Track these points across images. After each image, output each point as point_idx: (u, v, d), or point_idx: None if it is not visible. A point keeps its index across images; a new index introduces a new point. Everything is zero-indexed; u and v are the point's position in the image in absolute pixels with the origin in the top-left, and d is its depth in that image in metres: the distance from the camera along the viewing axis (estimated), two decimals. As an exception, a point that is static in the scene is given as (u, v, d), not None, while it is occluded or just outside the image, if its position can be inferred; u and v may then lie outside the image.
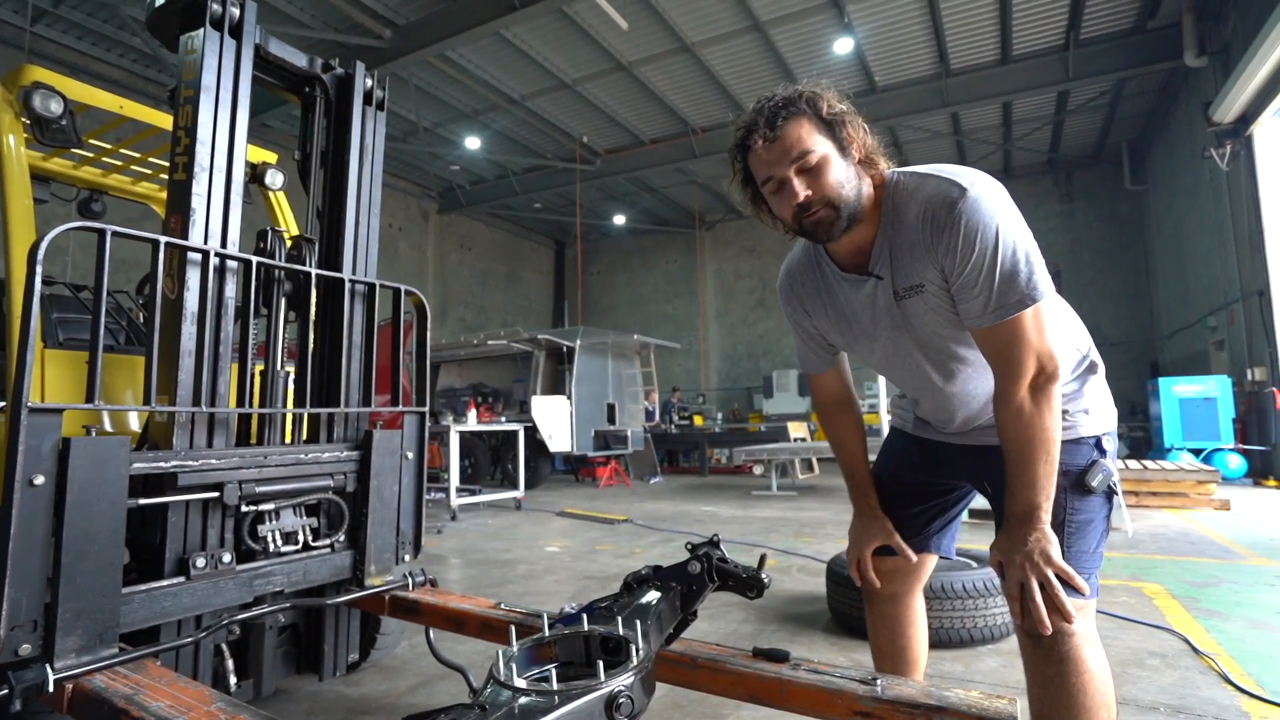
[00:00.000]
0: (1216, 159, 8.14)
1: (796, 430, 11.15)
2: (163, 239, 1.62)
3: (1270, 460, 7.92)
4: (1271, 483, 7.68)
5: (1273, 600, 3.08)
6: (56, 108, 2.16)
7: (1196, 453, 8.26)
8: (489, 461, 9.67)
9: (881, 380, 8.35)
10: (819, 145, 1.15)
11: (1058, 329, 1.20)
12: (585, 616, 1.26)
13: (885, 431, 7.54)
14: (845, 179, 1.16)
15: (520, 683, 1.01)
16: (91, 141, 2.56)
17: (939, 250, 1.15)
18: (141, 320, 3.01)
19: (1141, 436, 10.21)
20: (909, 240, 1.19)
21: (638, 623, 1.18)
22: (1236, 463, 8.12)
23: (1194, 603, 3.06)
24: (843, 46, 9.49)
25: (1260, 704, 2.00)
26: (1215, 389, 8.45)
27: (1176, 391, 8.68)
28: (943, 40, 9.42)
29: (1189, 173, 9.95)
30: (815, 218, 1.17)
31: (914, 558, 1.46)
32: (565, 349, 9.79)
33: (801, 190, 1.15)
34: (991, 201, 1.12)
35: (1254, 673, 2.23)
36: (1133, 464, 6.53)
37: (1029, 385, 1.13)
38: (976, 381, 1.31)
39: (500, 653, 1.08)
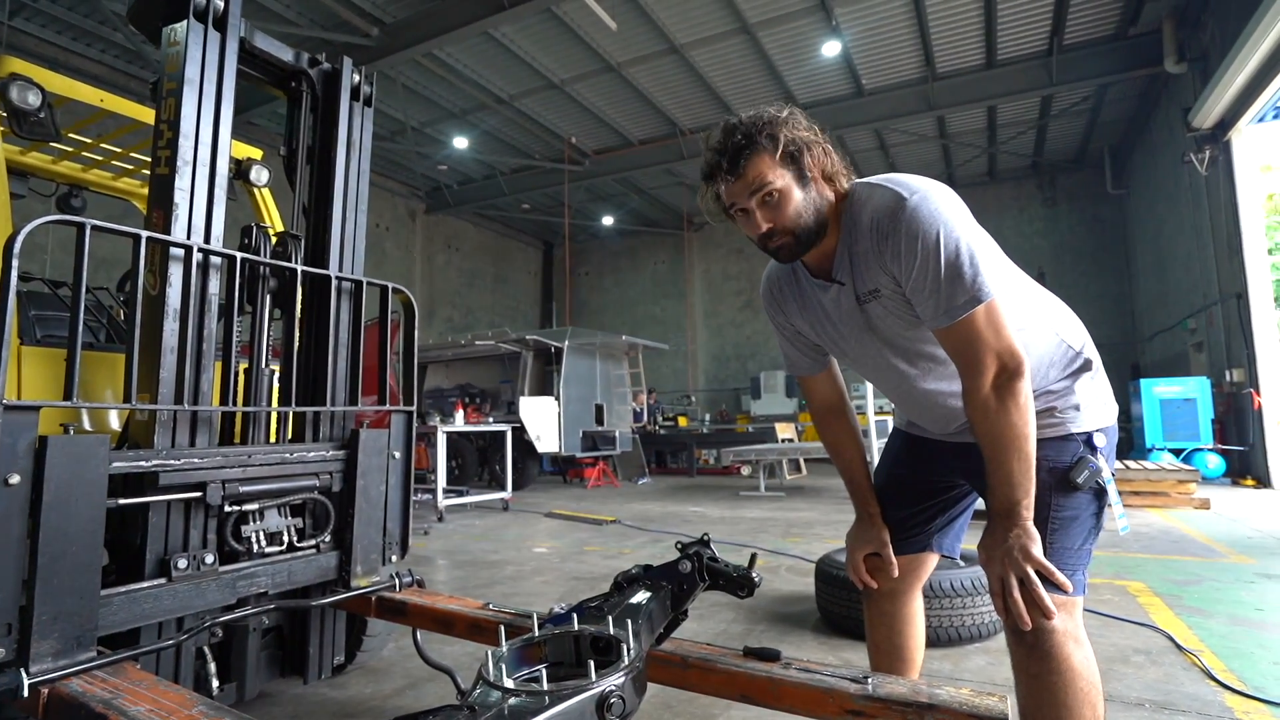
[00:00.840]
0: (1196, 164, 8.27)
1: (784, 431, 11.18)
2: (145, 234, 1.59)
3: (1248, 460, 8.05)
4: (1249, 482, 7.81)
5: (1253, 597, 3.13)
6: (34, 100, 2.12)
7: (1177, 453, 8.39)
8: (476, 462, 9.61)
9: (870, 389, 8.39)
10: (778, 180, 1.20)
11: (1024, 325, 1.23)
12: (575, 616, 1.24)
13: (873, 432, 7.60)
14: (803, 208, 1.23)
15: (510, 683, 1.00)
16: (71, 136, 2.51)
17: (886, 257, 1.20)
18: (122, 318, 2.96)
19: (1123, 437, 10.33)
20: (863, 248, 1.24)
21: (628, 622, 1.17)
22: (1215, 462, 8.25)
23: (1177, 600, 3.10)
24: (830, 49, 9.55)
25: (1243, 699, 2.03)
26: (1195, 390, 8.59)
27: (1157, 392, 8.80)
28: (929, 44, 9.51)
29: (1169, 177, 10.10)
30: (776, 245, 1.26)
31: (895, 571, 1.46)
32: (553, 350, 9.76)
33: (763, 222, 1.23)
34: (932, 208, 1.15)
35: (1236, 669, 2.26)
36: (1115, 464, 6.61)
37: (991, 383, 1.15)
38: (952, 380, 1.31)
39: (489, 653, 1.07)
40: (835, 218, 1.27)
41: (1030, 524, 1.13)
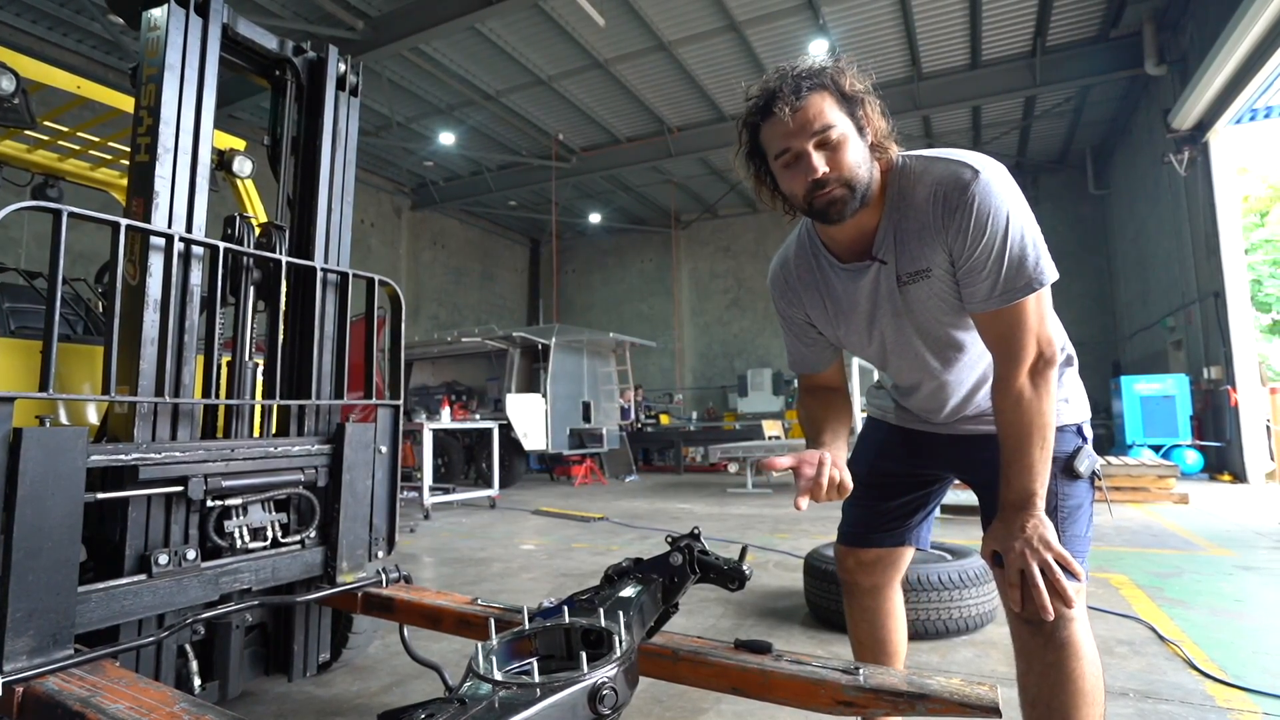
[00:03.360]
0: (1175, 165, 8.40)
1: (771, 428, 11.23)
2: (124, 221, 1.55)
3: (1225, 455, 8.20)
4: (1226, 477, 7.95)
5: (1232, 589, 3.18)
6: (8, 85, 2.07)
7: (1156, 448, 8.52)
8: (463, 460, 9.55)
9: (855, 378, 8.44)
10: (840, 122, 1.11)
11: (1055, 316, 1.22)
12: (566, 609, 1.23)
13: (859, 429, 7.65)
14: (861, 160, 1.13)
15: (500, 676, 0.98)
16: (47, 124, 2.45)
17: (949, 232, 1.13)
18: (101, 310, 2.90)
19: (1104, 434, 10.49)
20: (917, 223, 1.17)
21: (620, 615, 1.16)
22: (1194, 458, 8.40)
23: (1158, 592, 3.14)
24: (817, 48, 9.57)
25: (1224, 688, 2.06)
26: (1174, 387, 8.73)
27: (1137, 390, 8.94)
28: (915, 44, 9.57)
29: (1149, 178, 10.25)
30: (829, 196, 1.12)
31: (846, 480, 1.16)
32: (540, 347, 9.72)
33: (820, 166, 1.10)
34: (1002, 185, 1.11)
35: (1217, 658, 2.30)
36: (1099, 461, 6.71)
37: (1029, 370, 1.14)
38: (969, 370, 1.32)
39: (480, 646, 1.05)
40: (879, 191, 1.18)
41: (1044, 514, 1.13)
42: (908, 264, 1.20)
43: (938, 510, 1.59)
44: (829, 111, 1.10)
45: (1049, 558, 1.10)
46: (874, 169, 1.16)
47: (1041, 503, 1.13)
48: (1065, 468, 1.24)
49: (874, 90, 1.17)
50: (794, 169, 1.13)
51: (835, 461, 1.15)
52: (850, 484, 1.16)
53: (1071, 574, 1.11)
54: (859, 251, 1.25)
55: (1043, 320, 1.14)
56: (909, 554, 1.56)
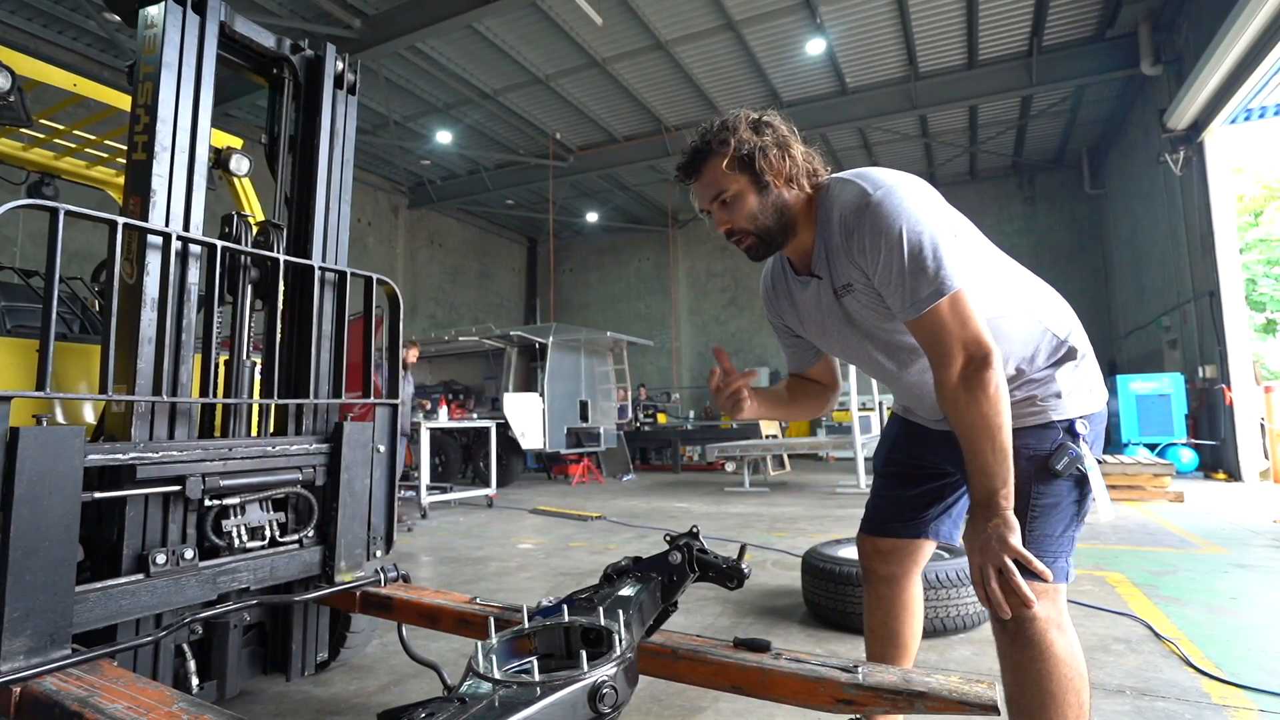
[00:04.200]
0: (1170, 164, 8.43)
1: (768, 428, 11.23)
2: (121, 220, 1.55)
3: (1220, 454, 8.24)
4: (1221, 476, 7.98)
5: (1227, 586, 3.20)
6: (4, 83, 2.06)
7: (1152, 447, 8.56)
8: (460, 459, 9.54)
9: (853, 379, 8.45)
10: (731, 184, 1.27)
11: (1005, 313, 1.25)
12: (565, 608, 1.23)
13: (855, 428, 7.64)
14: (760, 210, 1.28)
15: (500, 675, 0.98)
16: (42, 122, 2.44)
17: (853, 252, 1.24)
18: (97, 309, 2.89)
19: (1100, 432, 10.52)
20: (834, 243, 1.28)
21: (619, 613, 1.16)
22: (1189, 457, 8.43)
23: (1154, 590, 3.15)
24: (815, 47, 9.58)
25: (1219, 685, 2.07)
26: (1169, 386, 8.75)
27: (1133, 388, 8.96)
28: (912, 44, 9.58)
29: (1145, 177, 10.28)
30: (742, 244, 1.33)
31: (736, 384, 1.37)
32: (538, 346, 9.71)
33: (721, 222, 1.31)
34: (896, 202, 1.17)
35: (1213, 655, 2.31)
36: (1099, 454, 6.74)
37: (960, 374, 1.15)
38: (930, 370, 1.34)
39: (479, 645, 1.05)
40: (810, 215, 1.30)
41: (1009, 513, 1.13)
42: (838, 278, 1.31)
43: (963, 508, 1.57)
44: (721, 177, 1.27)
45: (1006, 558, 1.10)
46: (786, 205, 1.29)
47: (1006, 502, 1.13)
48: (1042, 466, 1.24)
49: (785, 129, 1.29)
50: (712, 221, 1.35)
51: (741, 385, 1.37)
52: (745, 405, 1.40)
53: (1034, 574, 1.11)
54: (806, 266, 1.37)
55: (965, 323, 1.15)
56: (928, 548, 1.57)
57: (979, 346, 1.15)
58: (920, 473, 1.53)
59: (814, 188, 1.31)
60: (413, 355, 7.24)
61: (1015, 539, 1.11)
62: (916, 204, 1.18)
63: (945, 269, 1.14)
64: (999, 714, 1.11)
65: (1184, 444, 8.54)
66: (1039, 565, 1.12)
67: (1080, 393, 1.31)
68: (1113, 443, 9.51)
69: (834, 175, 1.32)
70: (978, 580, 1.14)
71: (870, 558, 1.58)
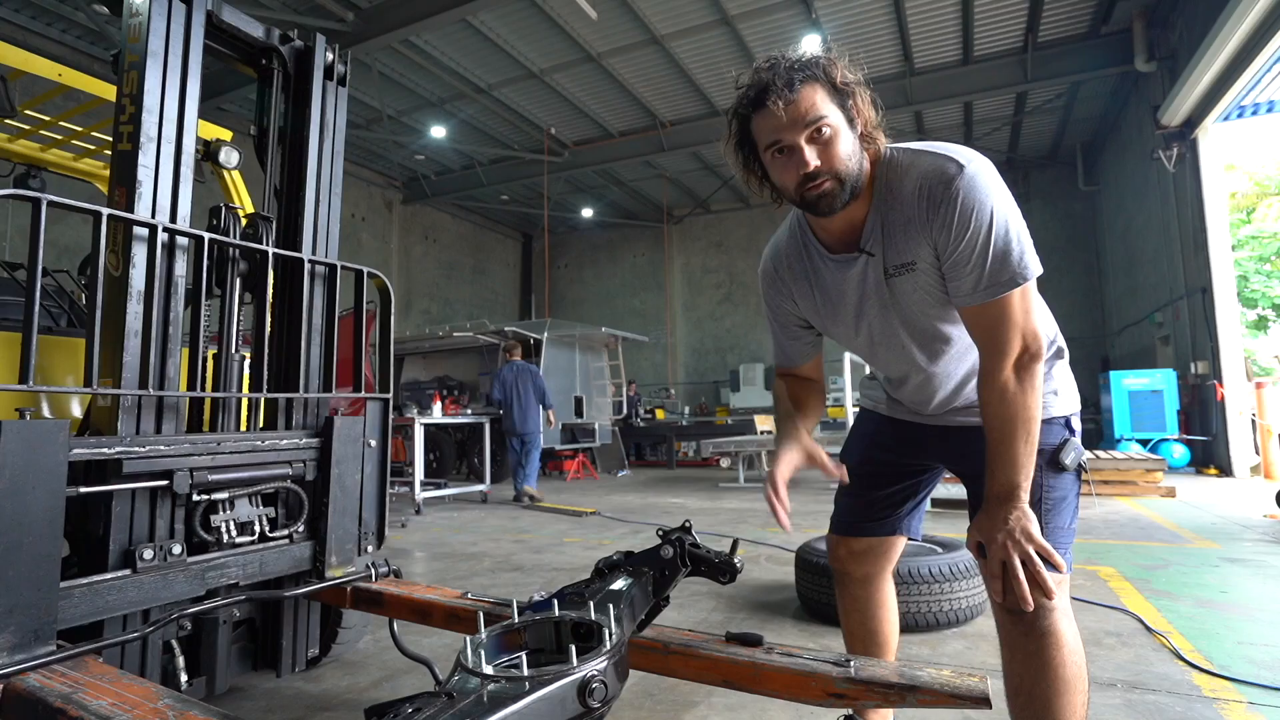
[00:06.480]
0: (1164, 161, 8.45)
1: (763, 423, 11.23)
2: (106, 210, 1.52)
3: (1211, 449, 8.29)
4: (1212, 471, 8.03)
5: (1217, 580, 3.21)
6: (-13, 72, 2.02)
7: (1144, 443, 8.60)
8: (454, 455, 9.52)
9: (847, 373, 8.46)
10: (832, 115, 1.11)
11: (1041, 310, 1.22)
12: (556, 603, 1.22)
13: (850, 424, 7.64)
14: (851, 152, 1.13)
15: (489, 670, 0.97)
16: (28, 113, 2.41)
17: (934, 226, 1.14)
18: (84, 302, 2.86)
19: (1093, 428, 10.57)
20: (903, 217, 1.17)
21: (610, 608, 1.15)
22: (1181, 452, 8.48)
23: (1145, 584, 3.17)
24: (810, 43, 9.54)
25: (1210, 678, 2.08)
26: (1161, 382, 8.80)
27: (1126, 385, 9.01)
28: (907, 39, 9.57)
29: (1138, 174, 10.31)
30: (820, 189, 1.13)
31: (835, 472, 1.32)
32: (532, 341, 9.69)
33: (812, 159, 1.11)
34: (987, 179, 1.12)
35: (1203, 649, 2.32)
36: (1085, 453, 6.77)
37: (1014, 364, 1.14)
38: (957, 363, 1.32)
39: (468, 640, 1.04)
40: (868, 182, 1.18)
41: (1028, 506, 1.13)
42: (894, 256, 1.20)
43: (928, 502, 1.59)
44: (821, 104, 1.10)
45: (1030, 550, 1.10)
46: (864, 161, 1.16)
47: (1026, 495, 1.13)
48: (1051, 459, 1.24)
49: (865, 82, 1.16)
50: (786, 161, 1.14)
51: (781, 480, 1.28)
52: (829, 465, 1.30)
53: (1053, 566, 1.11)
54: (848, 243, 1.25)
55: (1028, 314, 1.14)
56: (900, 544, 1.56)
57: (1035, 340, 1.14)
58: (899, 471, 1.51)
59: (872, 155, 1.18)
60: None
61: (1037, 531, 1.12)
62: (1002, 186, 1.13)
63: (1028, 257, 1.12)
64: (990, 707, 1.11)
65: (1176, 439, 8.59)
66: (1059, 558, 1.12)
67: (1070, 390, 1.34)
68: (1105, 438, 9.57)
69: (895, 145, 1.20)
70: (997, 573, 1.13)
71: (844, 560, 1.54)
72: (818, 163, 1.11)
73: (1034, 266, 1.12)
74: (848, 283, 1.28)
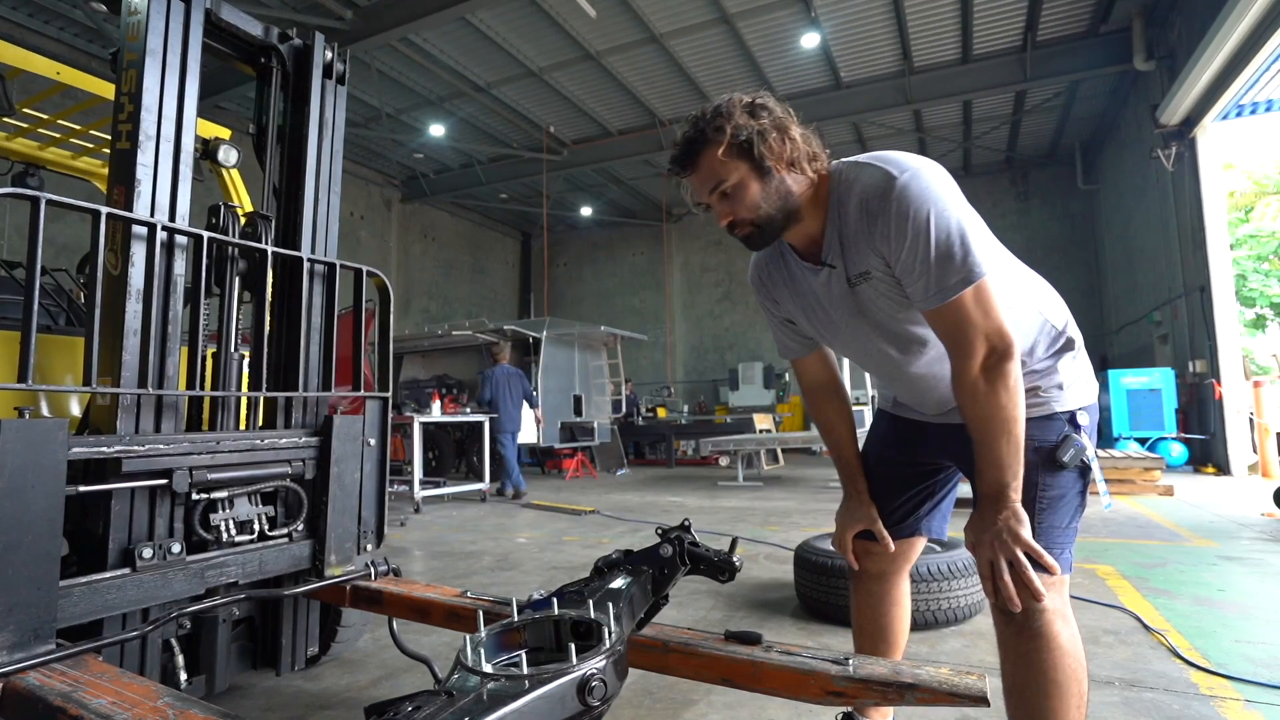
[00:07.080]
0: (1163, 160, 8.46)
1: (762, 422, 11.24)
2: (104, 209, 1.52)
3: (1209, 448, 8.30)
4: (1210, 470, 8.05)
5: (1215, 579, 3.22)
6: (-15, 71, 2.02)
7: (1142, 441, 8.61)
8: (454, 454, 9.52)
9: (846, 373, 8.46)
10: (731, 173, 1.20)
11: (1011, 305, 1.21)
12: (555, 601, 1.22)
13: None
14: (763, 197, 1.21)
15: (488, 668, 0.98)
16: (26, 111, 2.40)
17: (875, 237, 1.18)
18: (83, 301, 2.85)
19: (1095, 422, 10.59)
20: (852, 230, 1.22)
21: (609, 606, 1.16)
22: (1179, 451, 8.49)
23: (1143, 582, 3.17)
24: (809, 41, 9.55)
25: (1207, 676, 2.08)
26: (1160, 381, 8.81)
27: (1124, 383, 9.02)
28: (906, 38, 9.56)
29: (1137, 173, 10.32)
30: (743, 234, 1.26)
31: (892, 547, 1.46)
32: (532, 340, 9.69)
33: (723, 214, 1.24)
34: (923, 185, 1.13)
35: (1200, 647, 2.33)
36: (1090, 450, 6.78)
37: (980, 365, 1.14)
38: (940, 364, 1.31)
39: (468, 639, 1.04)
40: (818, 200, 1.24)
41: (1019, 506, 1.13)
42: (853, 267, 1.25)
43: (952, 502, 1.57)
44: (719, 167, 1.20)
45: (1018, 551, 1.11)
46: (790, 191, 1.22)
47: (1016, 494, 1.13)
48: (1048, 458, 1.23)
49: (786, 111, 1.23)
50: (713, 213, 1.28)
51: (847, 546, 1.51)
52: (887, 539, 1.45)
53: (1043, 567, 1.11)
54: (813, 255, 1.31)
55: (988, 314, 1.13)
56: (920, 544, 1.56)
57: (1001, 338, 1.13)
58: (915, 470, 1.50)
59: (819, 172, 1.23)
60: None
61: (1026, 532, 1.12)
62: (942, 188, 1.13)
63: (973, 256, 1.11)
64: (988, 705, 1.11)
65: (1174, 438, 8.60)
66: (1049, 559, 1.12)
67: (1080, 383, 1.31)
68: (1103, 437, 9.57)
69: (845, 159, 1.26)
70: (987, 573, 1.14)
71: (860, 556, 1.55)
72: (730, 216, 1.24)
73: (982, 266, 1.12)
74: (820, 290, 1.33)
